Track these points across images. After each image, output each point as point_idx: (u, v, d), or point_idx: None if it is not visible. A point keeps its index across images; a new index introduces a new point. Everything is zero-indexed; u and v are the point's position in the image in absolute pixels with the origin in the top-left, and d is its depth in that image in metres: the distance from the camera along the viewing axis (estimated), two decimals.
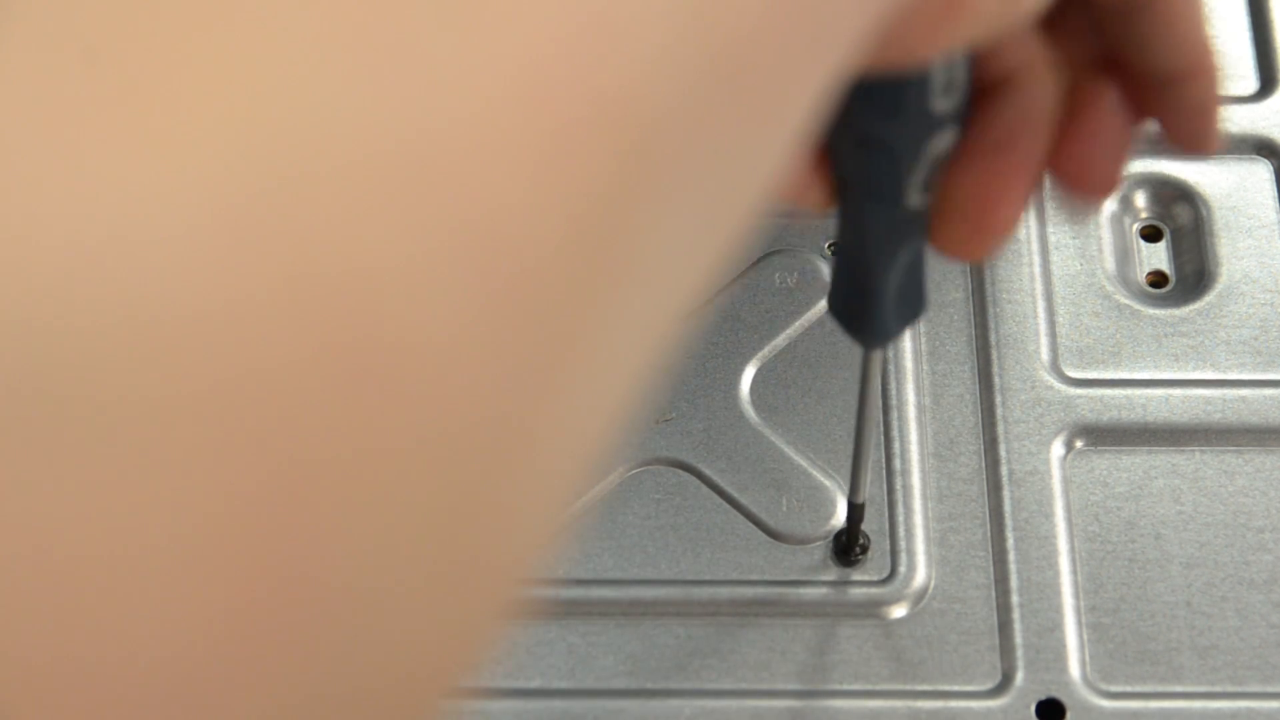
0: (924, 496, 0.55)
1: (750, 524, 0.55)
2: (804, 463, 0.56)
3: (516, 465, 0.23)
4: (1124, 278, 0.60)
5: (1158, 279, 0.61)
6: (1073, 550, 0.54)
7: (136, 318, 0.20)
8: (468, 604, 0.23)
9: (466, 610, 0.23)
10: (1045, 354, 0.58)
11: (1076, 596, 0.54)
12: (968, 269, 0.59)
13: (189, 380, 0.20)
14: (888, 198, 0.37)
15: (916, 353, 0.58)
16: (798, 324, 0.58)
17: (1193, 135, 0.38)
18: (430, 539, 0.22)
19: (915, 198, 0.37)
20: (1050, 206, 0.61)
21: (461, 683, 0.24)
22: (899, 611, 0.54)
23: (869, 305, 0.42)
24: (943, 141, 0.36)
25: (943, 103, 0.35)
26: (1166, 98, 0.37)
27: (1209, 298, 0.59)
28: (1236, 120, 0.63)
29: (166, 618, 0.20)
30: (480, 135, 0.21)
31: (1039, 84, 0.36)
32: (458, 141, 0.21)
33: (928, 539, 0.55)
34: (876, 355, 0.47)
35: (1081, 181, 0.37)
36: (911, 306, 0.42)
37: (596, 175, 0.22)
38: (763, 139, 0.25)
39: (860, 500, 0.53)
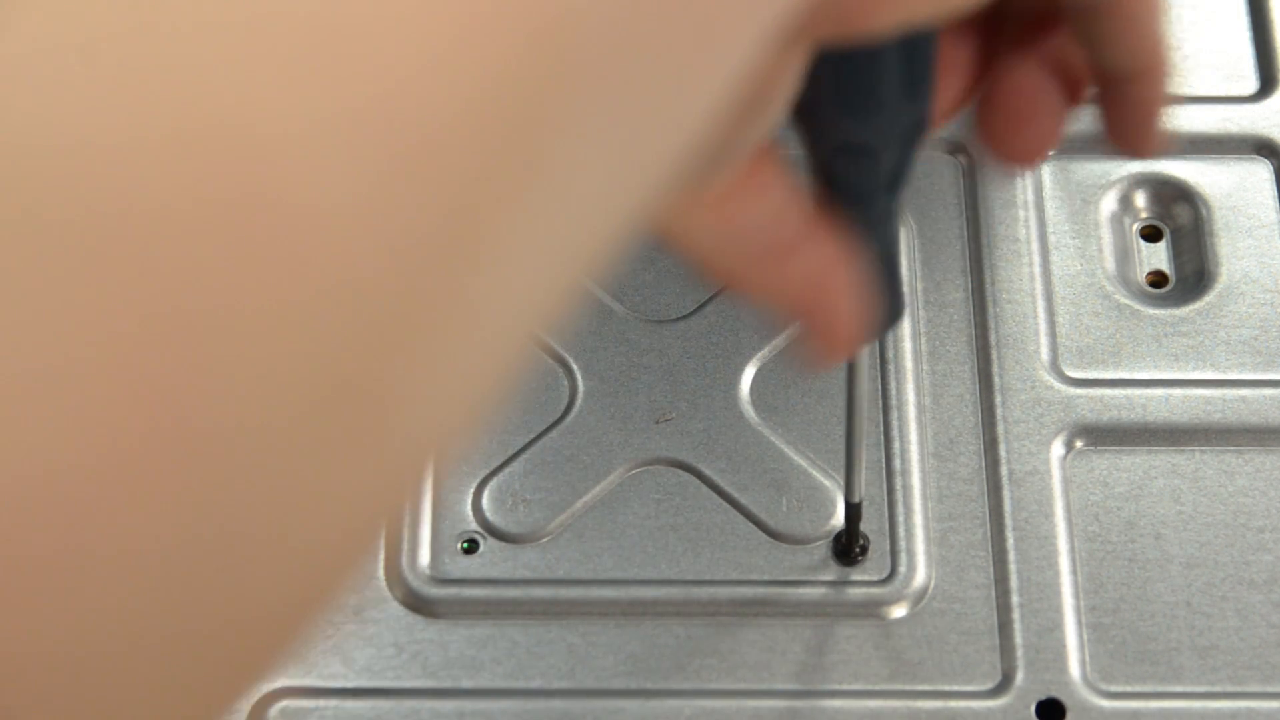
0: (924, 496, 0.55)
1: (750, 524, 0.55)
2: (804, 463, 0.56)
3: (403, 337, 0.23)
4: (1124, 278, 0.60)
5: (1158, 279, 0.61)
6: (1073, 550, 0.54)
7: (20, 145, 0.20)
8: (348, 472, 0.23)
9: (348, 478, 0.23)
10: (1045, 354, 0.58)
11: (1076, 596, 0.54)
12: (968, 269, 0.59)
13: (75, 210, 0.20)
14: (864, 199, 0.37)
15: (916, 353, 0.58)
16: (797, 324, 0.58)
17: (1133, 136, 0.38)
18: (307, 398, 0.22)
19: (889, 196, 0.37)
20: (1050, 206, 0.61)
21: (343, 557, 0.24)
22: (899, 611, 0.54)
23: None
24: (916, 134, 0.36)
25: (913, 93, 0.35)
26: (1112, 94, 0.37)
27: (1209, 298, 0.59)
28: (1236, 120, 0.63)
29: (44, 437, 0.20)
30: (392, 10, 0.21)
31: None
32: (370, 13, 0.21)
33: (928, 539, 0.55)
34: (861, 355, 0.47)
35: (1009, 150, 0.37)
36: (890, 307, 0.42)
37: (509, 63, 0.22)
38: (694, 77, 0.25)
39: (856, 500, 0.53)
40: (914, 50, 0.34)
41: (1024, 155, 0.37)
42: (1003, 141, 0.37)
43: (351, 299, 0.22)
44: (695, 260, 0.35)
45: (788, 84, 0.32)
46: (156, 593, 0.21)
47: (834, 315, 0.37)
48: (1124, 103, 0.37)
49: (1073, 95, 0.37)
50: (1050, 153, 0.38)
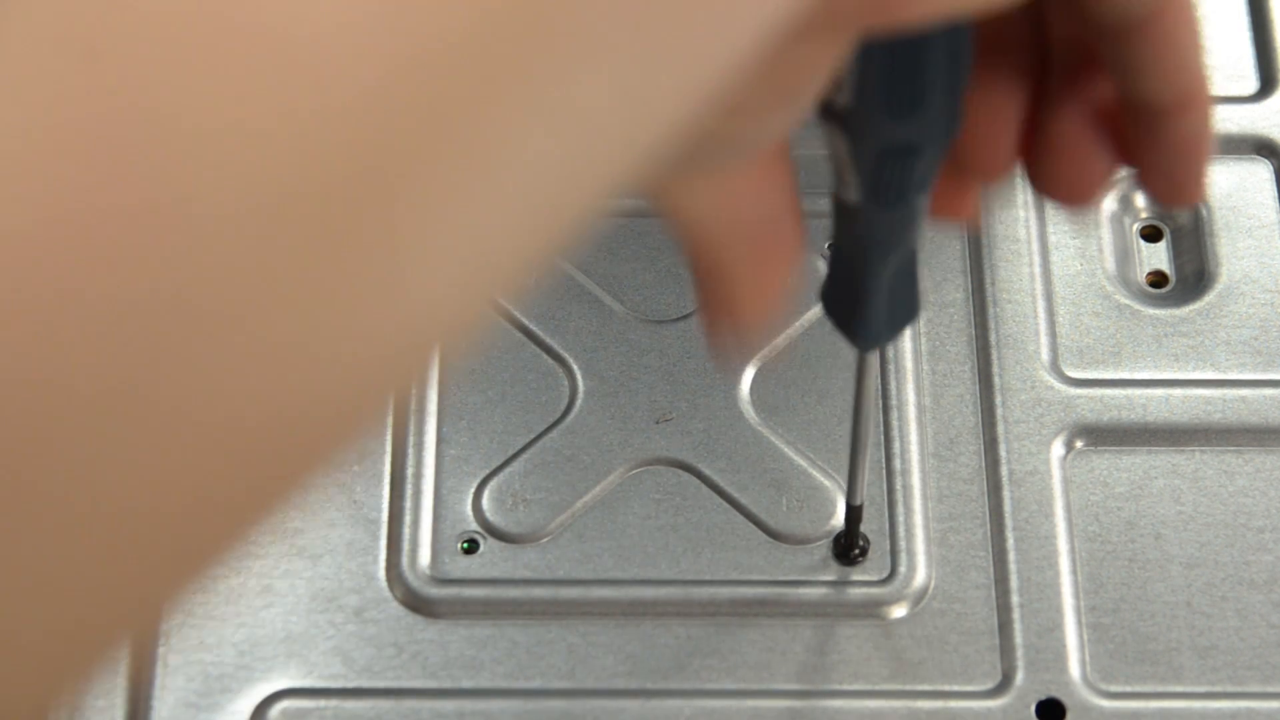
0: (924, 496, 0.55)
1: (750, 524, 0.55)
2: (804, 463, 0.56)
3: (416, 159, 0.22)
4: (1124, 278, 0.60)
5: (1158, 279, 0.61)
6: (1073, 550, 0.54)
7: None
8: (345, 298, 0.23)
9: (345, 306, 0.23)
10: (1045, 354, 0.58)
11: (1077, 596, 0.54)
12: (968, 269, 0.59)
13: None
14: (896, 201, 0.37)
15: (916, 353, 0.58)
16: (798, 324, 0.58)
17: (1177, 179, 0.36)
18: (301, 199, 0.22)
19: (921, 197, 0.37)
20: (1050, 206, 0.61)
21: (336, 410, 0.24)
22: (899, 611, 0.54)
23: (862, 307, 0.42)
24: (953, 132, 0.36)
25: (955, 91, 0.35)
26: (1153, 134, 0.36)
27: (1209, 298, 0.59)
28: (1236, 120, 0.63)
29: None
30: None
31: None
32: None
33: (928, 539, 0.55)
34: (872, 358, 0.47)
35: (1063, 192, 0.37)
36: (905, 310, 0.42)
37: None
38: (689, 41, 0.25)
39: (857, 503, 0.53)
40: (955, 47, 0.34)
41: (1078, 196, 0.37)
42: (1056, 185, 0.36)
43: (359, 111, 0.21)
44: (681, 230, 0.35)
45: (818, 76, 0.32)
46: (111, 355, 0.21)
47: (768, 316, 0.37)
48: (1164, 143, 0.35)
49: (1120, 145, 0.36)
50: (1104, 192, 0.37)
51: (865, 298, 0.41)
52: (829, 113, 0.36)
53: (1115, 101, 0.36)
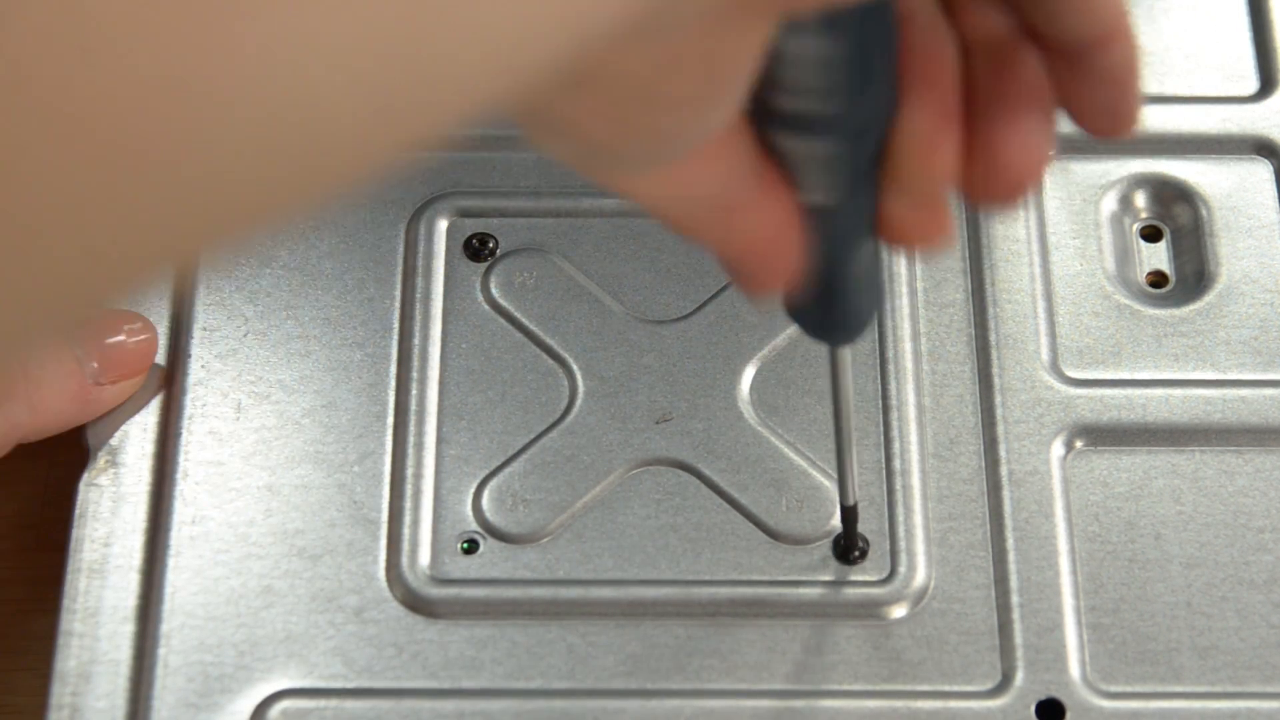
0: (924, 497, 0.55)
1: (750, 524, 0.55)
2: (804, 463, 0.56)
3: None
4: (1124, 278, 0.60)
5: (1158, 279, 0.61)
6: (1073, 550, 0.54)
7: None
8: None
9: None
10: (1045, 354, 0.58)
11: (1076, 597, 0.54)
12: (968, 269, 0.59)
13: None
14: (857, 187, 0.38)
15: (916, 353, 0.58)
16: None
17: (1108, 111, 0.36)
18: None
19: (874, 178, 0.37)
20: (1050, 206, 0.61)
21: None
22: (899, 612, 0.54)
23: (834, 304, 0.42)
24: (896, 107, 0.36)
25: (894, 58, 0.35)
26: (1079, 72, 0.36)
27: (1209, 298, 0.59)
28: (1236, 120, 0.63)
29: None
30: None
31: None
32: None
33: (927, 539, 0.55)
34: (845, 353, 0.47)
35: (996, 191, 0.37)
36: (873, 299, 0.43)
37: None
38: None
39: (850, 503, 0.53)
40: (885, 16, 0.35)
41: (1018, 191, 0.37)
42: (994, 188, 0.37)
43: None
44: (654, 215, 0.37)
45: (746, 65, 0.32)
46: None
47: (769, 268, 0.38)
48: (1092, 80, 0.36)
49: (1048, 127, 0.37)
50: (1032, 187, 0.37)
51: (836, 294, 0.41)
52: (778, 119, 0.36)
53: (1039, 74, 0.36)
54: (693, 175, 0.36)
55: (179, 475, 0.55)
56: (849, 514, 0.53)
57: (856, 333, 0.44)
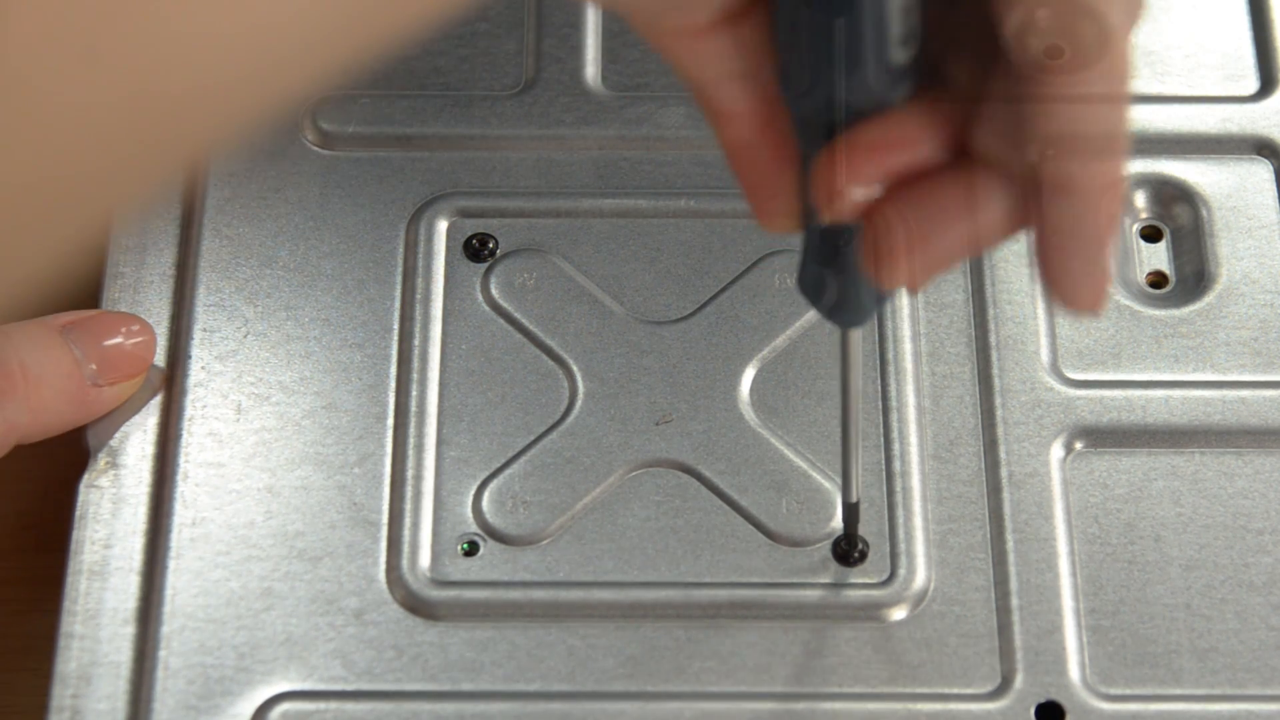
0: (923, 498, 0.55)
1: (750, 526, 0.55)
2: (804, 465, 0.56)
3: None
4: (1124, 278, 0.60)
5: (1158, 279, 0.61)
6: (1072, 552, 0.54)
7: None
8: None
9: None
10: (1045, 355, 0.58)
11: (1076, 599, 0.54)
12: (968, 270, 0.59)
13: None
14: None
15: (916, 354, 0.58)
16: (798, 324, 0.58)
17: (1074, 278, 0.40)
18: None
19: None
20: None
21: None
22: (899, 614, 0.54)
23: (842, 280, 0.42)
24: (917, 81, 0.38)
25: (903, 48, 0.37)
26: (1053, 223, 0.39)
27: (1209, 298, 0.59)
28: (1236, 120, 0.63)
29: None
30: None
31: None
32: None
33: (927, 541, 0.55)
34: (855, 336, 0.47)
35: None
36: (862, 303, 0.43)
37: None
38: None
39: (853, 500, 0.53)
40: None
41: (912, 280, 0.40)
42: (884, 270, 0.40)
43: None
44: (678, 71, 0.41)
45: None
46: None
47: (759, 185, 0.42)
48: (1067, 234, 0.39)
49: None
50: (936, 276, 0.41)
51: (844, 273, 0.41)
52: (801, 102, 0.37)
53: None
54: (706, 57, 0.39)
55: (179, 477, 0.55)
56: (850, 511, 0.53)
57: (867, 313, 0.44)
